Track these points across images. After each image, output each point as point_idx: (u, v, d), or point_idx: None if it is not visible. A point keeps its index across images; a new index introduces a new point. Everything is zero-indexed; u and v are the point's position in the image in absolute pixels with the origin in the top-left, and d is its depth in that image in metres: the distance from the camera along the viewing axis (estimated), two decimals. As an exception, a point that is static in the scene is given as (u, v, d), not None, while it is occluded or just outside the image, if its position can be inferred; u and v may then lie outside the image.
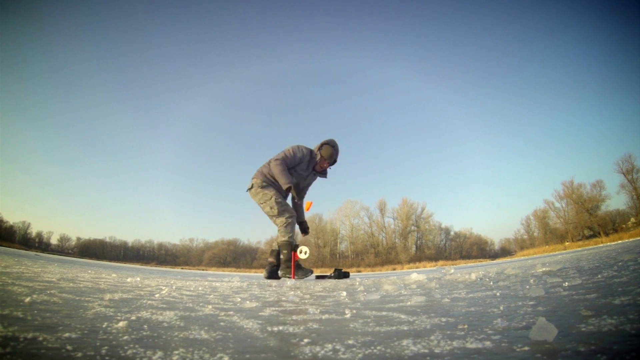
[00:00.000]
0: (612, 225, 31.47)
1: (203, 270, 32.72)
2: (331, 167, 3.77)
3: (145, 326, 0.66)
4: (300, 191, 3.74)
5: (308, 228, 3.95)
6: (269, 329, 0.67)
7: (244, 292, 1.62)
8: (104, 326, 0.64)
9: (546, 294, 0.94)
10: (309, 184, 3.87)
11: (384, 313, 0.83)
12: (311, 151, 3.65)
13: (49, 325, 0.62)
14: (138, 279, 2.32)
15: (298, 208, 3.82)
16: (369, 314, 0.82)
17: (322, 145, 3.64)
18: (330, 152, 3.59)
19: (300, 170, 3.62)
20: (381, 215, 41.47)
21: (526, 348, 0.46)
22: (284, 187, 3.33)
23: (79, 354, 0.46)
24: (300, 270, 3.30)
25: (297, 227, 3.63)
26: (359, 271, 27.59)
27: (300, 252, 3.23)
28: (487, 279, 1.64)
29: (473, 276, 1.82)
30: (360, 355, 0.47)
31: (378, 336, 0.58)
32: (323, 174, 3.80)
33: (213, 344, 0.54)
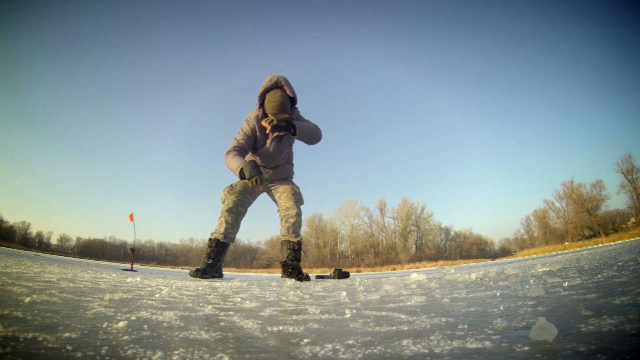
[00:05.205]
0: (612, 225, 31.49)
1: (203, 270, 32.52)
2: (296, 107, 2.87)
3: (145, 326, 0.66)
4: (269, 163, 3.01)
5: (291, 126, 2.68)
6: (269, 329, 0.67)
7: (244, 292, 1.62)
8: (104, 326, 0.64)
9: (546, 294, 0.94)
10: (285, 146, 3.01)
11: (384, 313, 0.83)
12: (257, 114, 2.80)
13: (49, 325, 0.62)
14: (138, 279, 2.31)
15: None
16: (369, 314, 0.82)
17: (261, 94, 2.71)
18: (275, 98, 2.64)
19: (262, 144, 2.87)
20: (381, 215, 41.50)
21: (526, 348, 0.46)
22: (236, 174, 2.59)
23: (79, 354, 0.46)
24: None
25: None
26: (359, 271, 27.57)
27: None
28: (487, 279, 1.64)
29: (473, 276, 1.82)
30: (360, 355, 0.47)
31: (378, 336, 0.58)
32: (284, 128, 2.69)
33: (213, 344, 0.54)
